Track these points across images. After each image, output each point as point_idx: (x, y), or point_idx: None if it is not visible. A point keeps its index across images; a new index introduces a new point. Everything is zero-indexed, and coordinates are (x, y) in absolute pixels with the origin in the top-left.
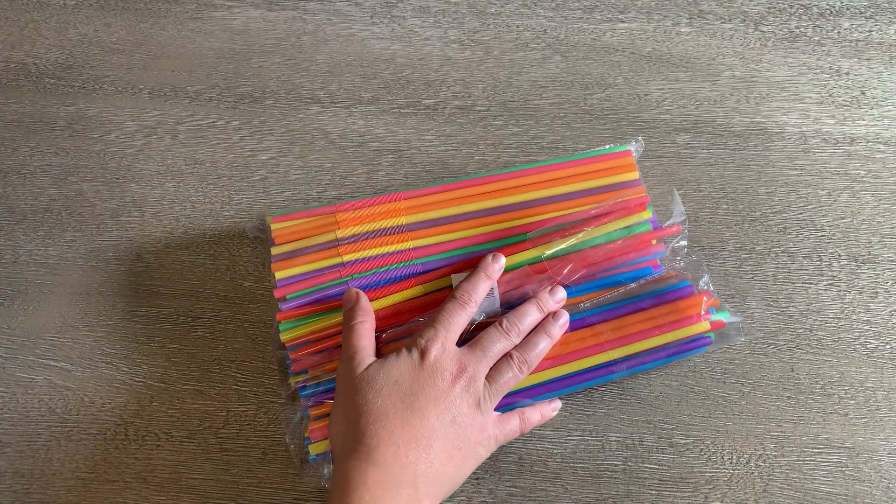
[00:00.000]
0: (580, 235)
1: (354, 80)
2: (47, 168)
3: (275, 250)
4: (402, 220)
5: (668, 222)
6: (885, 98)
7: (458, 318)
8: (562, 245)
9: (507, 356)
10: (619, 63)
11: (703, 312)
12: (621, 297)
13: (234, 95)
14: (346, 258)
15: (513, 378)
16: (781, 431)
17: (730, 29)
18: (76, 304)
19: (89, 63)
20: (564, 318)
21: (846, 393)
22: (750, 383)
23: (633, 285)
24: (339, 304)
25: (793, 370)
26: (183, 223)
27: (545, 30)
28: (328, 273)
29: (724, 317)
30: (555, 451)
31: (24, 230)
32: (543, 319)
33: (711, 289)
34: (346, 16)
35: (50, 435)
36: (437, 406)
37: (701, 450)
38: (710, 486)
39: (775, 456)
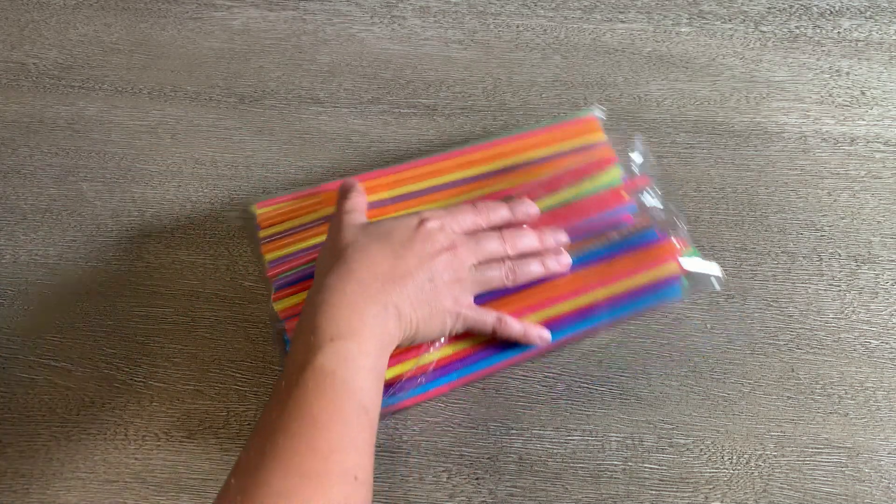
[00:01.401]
0: (555, 195)
1: (354, 80)
2: (47, 168)
3: (262, 233)
4: (385, 195)
5: (637, 175)
6: (885, 98)
7: (466, 217)
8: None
9: (499, 259)
10: (619, 63)
11: (677, 258)
12: (598, 247)
13: (234, 95)
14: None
15: (498, 278)
16: (781, 431)
17: (730, 29)
18: (76, 304)
19: (89, 63)
20: (566, 259)
21: (846, 393)
22: (750, 383)
23: (612, 235)
24: None
25: (793, 370)
26: (183, 223)
27: (545, 30)
28: (316, 251)
29: (694, 259)
30: (555, 451)
31: (24, 230)
32: (544, 252)
33: (686, 236)
34: (346, 16)
35: (50, 435)
36: (419, 262)
37: (701, 450)
38: (710, 486)
39: (775, 456)
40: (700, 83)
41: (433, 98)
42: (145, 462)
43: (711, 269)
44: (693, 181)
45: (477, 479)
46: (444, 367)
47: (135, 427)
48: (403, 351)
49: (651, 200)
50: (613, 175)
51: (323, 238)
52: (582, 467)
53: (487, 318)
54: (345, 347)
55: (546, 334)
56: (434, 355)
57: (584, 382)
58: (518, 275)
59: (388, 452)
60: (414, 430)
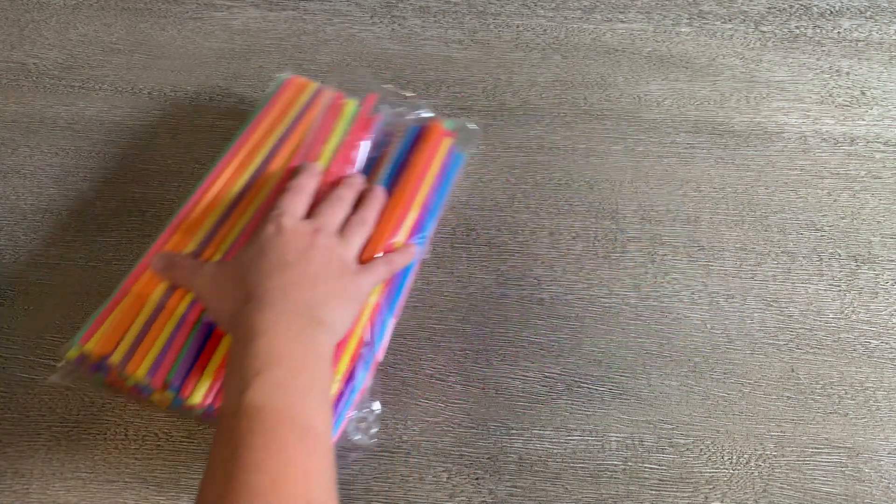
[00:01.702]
0: (324, 152)
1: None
2: (47, 168)
3: (114, 358)
4: (192, 247)
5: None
6: (885, 98)
7: (297, 201)
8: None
9: (348, 220)
10: (619, 63)
11: (444, 133)
12: (388, 167)
13: (234, 95)
14: (180, 310)
15: (360, 235)
16: (781, 431)
17: (730, 29)
18: (76, 304)
19: (89, 63)
20: (379, 190)
21: (846, 393)
22: (750, 383)
23: (389, 151)
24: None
25: (793, 370)
26: None
27: (545, 30)
28: (183, 329)
29: (453, 123)
30: (555, 451)
31: (24, 230)
32: (364, 193)
33: (433, 114)
34: (346, 16)
35: (50, 435)
36: (307, 256)
37: (701, 450)
38: (710, 486)
39: (775, 456)
40: (700, 83)
41: (433, 98)
42: (145, 462)
43: (469, 124)
44: (693, 181)
45: (477, 479)
46: (376, 320)
47: (135, 427)
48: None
49: (390, 108)
50: (350, 109)
51: (178, 316)
52: (582, 467)
53: (381, 271)
54: (273, 377)
55: (414, 248)
56: (363, 321)
57: (584, 382)
58: (368, 221)
59: (388, 452)
60: (414, 431)
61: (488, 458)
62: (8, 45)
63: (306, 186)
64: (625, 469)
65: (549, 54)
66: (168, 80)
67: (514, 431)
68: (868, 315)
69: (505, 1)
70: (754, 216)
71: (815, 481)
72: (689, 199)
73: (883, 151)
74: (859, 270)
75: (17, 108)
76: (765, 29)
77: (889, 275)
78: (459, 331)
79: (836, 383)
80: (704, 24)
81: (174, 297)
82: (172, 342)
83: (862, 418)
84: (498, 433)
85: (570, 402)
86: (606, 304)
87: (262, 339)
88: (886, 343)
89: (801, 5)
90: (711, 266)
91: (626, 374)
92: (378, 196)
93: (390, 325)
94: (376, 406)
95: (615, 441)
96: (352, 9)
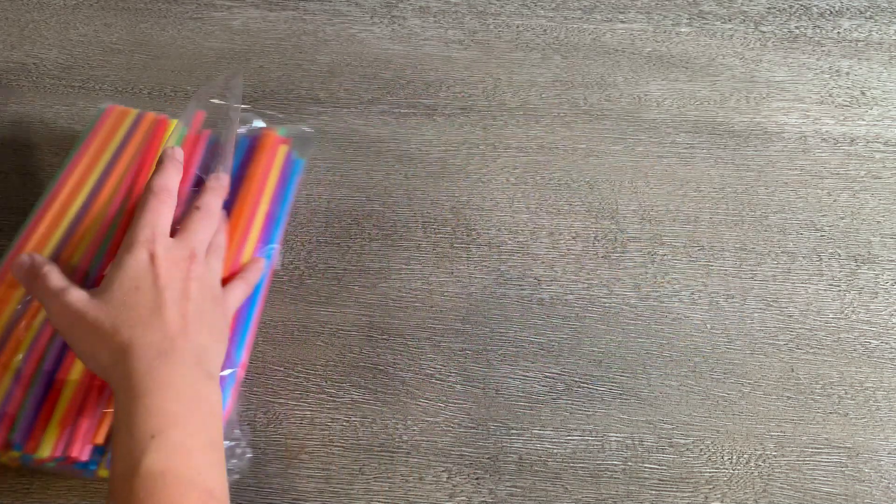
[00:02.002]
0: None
1: (354, 80)
2: (47, 168)
3: None
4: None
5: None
6: (885, 98)
7: (165, 212)
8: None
9: (208, 235)
10: (619, 63)
11: (279, 140)
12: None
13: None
14: (15, 363)
15: (220, 256)
16: (781, 431)
17: (730, 29)
18: None
19: (89, 63)
20: (222, 188)
21: (846, 393)
22: (750, 383)
23: (223, 162)
24: None
25: (793, 370)
26: None
27: (545, 30)
28: (27, 372)
29: (284, 132)
30: (555, 451)
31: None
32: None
33: (264, 124)
34: (346, 16)
35: None
36: (185, 292)
37: (701, 450)
38: (710, 486)
39: (775, 456)
40: (700, 83)
41: (433, 98)
42: None
43: (305, 128)
44: (693, 181)
45: (477, 479)
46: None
47: None
48: None
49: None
50: (178, 132)
51: (13, 370)
52: (582, 467)
53: (240, 292)
54: (169, 439)
55: (263, 261)
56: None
57: (584, 382)
58: (223, 243)
59: (388, 452)
60: (414, 430)
61: (488, 458)
62: (8, 45)
63: (171, 188)
64: (625, 469)
65: (549, 54)
66: (168, 80)
67: (514, 431)
68: (868, 315)
69: (505, 1)
70: (754, 216)
71: (815, 481)
72: (689, 199)
73: (883, 151)
74: (859, 270)
75: (17, 108)
76: (765, 29)
77: (889, 275)
78: (459, 331)
79: (836, 383)
80: (704, 24)
81: (6, 351)
82: (10, 399)
83: (862, 418)
84: (498, 433)
85: (570, 402)
86: (606, 304)
87: (155, 398)
88: (886, 343)
89: (801, 5)
90: (711, 266)
91: (626, 374)
92: (217, 198)
93: (248, 343)
94: (238, 433)
95: (615, 441)
96: (352, 9)
